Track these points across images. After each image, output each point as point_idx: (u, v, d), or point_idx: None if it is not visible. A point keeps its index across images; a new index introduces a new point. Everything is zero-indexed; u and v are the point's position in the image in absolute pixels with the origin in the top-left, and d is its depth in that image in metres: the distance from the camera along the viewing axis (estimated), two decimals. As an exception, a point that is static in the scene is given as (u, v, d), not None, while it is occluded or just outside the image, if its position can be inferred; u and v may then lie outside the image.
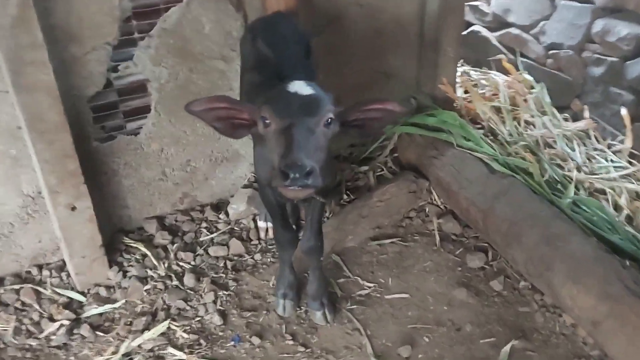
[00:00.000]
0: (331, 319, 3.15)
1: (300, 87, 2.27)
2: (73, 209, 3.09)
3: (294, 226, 3.38)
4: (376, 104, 2.38)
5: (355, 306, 3.27)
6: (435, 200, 3.91)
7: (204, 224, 3.75)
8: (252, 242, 3.67)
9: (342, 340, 3.08)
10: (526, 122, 4.24)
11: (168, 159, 3.64)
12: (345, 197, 3.97)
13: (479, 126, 4.14)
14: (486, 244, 3.62)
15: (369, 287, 3.40)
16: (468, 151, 3.76)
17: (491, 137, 3.97)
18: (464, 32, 5.09)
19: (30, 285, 3.20)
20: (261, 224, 3.72)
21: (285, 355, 2.98)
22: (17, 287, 3.18)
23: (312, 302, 3.17)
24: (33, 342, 2.96)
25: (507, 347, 3.01)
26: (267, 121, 2.25)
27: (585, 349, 3.05)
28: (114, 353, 2.91)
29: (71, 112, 3.05)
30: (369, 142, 4.28)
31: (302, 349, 3.01)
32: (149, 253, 3.44)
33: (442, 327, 3.17)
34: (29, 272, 3.32)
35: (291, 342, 3.04)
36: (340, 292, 3.37)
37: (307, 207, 2.99)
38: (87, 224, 3.16)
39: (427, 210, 3.89)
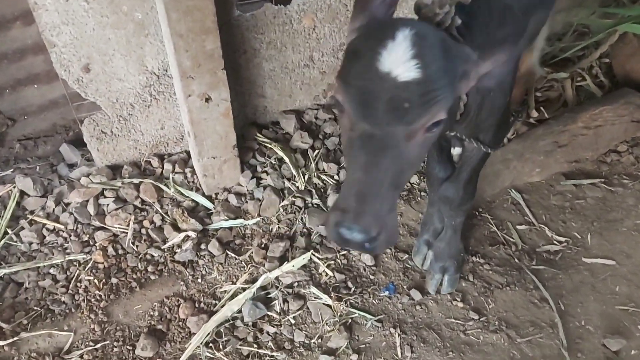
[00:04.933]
0: (446, 290, 2.43)
1: (398, 54, 1.25)
2: (207, 100, 2.43)
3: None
4: None
5: (542, 267, 2.55)
6: (658, 133, 2.92)
7: (351, 127, 3.00)
8: (410, 158, 2.90)
9: (526, 312, 2.41)
10: None
11: (319, 40, 2.83)
12: (534, 113, 3.05)
13: None
14: None
15: (560, 243, 2.64)
16: None
17: None
18: None
19: (150, 180, 2.68)
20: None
21: (454, 320, 2.37)
22: (136, 181, 2.68)
23: (433, 262, 2.45)
24: (155, 253, 2.51)
25: None
26: (339, 103, 1.39)
27: None
28: (247, 282, 2.41)
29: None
30: (568, 37, 3.20)
31: (474, 315, 2.38)
32: (286, 159, 2.79)
33: (662, 315, 2.41)
34: (148, 163, 2.80)
35: (460, 305, 2.41)
36: (521, 244, 2.63)
37: (466, 148, 2.13)
38: (222, 119, 2.51)
39: (644, 145, 2.93)
